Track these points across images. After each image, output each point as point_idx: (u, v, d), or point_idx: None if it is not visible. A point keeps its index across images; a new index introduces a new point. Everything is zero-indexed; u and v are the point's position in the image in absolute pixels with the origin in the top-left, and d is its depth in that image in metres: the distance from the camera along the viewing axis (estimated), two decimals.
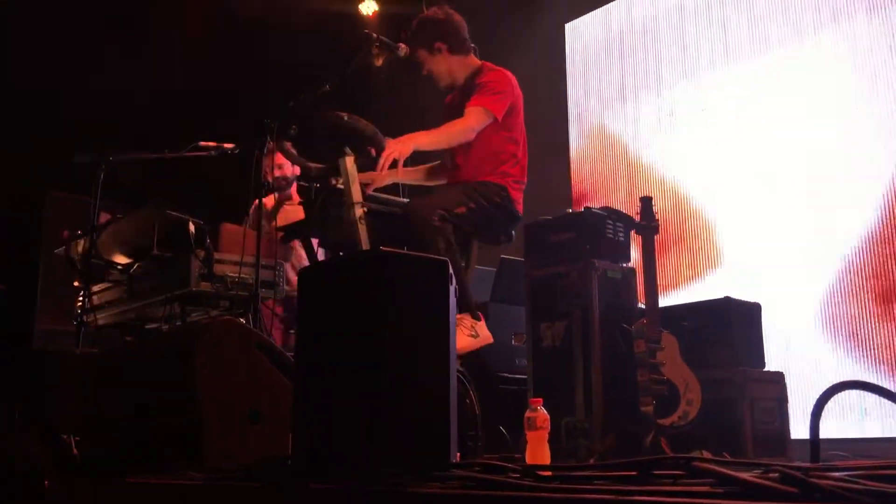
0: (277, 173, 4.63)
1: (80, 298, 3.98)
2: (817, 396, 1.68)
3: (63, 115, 5.69)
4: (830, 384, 1.71)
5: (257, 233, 3.32)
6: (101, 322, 3.99)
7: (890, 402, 1.61)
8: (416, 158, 3.45)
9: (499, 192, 3.42)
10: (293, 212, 4.37)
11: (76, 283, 4.04)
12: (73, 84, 5.71)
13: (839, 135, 4.72)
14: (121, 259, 3.88)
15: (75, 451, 2.96)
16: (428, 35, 3.51)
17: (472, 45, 3.58)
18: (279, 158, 4.44)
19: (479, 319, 3.23)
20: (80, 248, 3.94)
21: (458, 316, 3.07)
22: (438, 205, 3.19)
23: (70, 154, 3.98)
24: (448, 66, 3.55)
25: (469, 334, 3.16)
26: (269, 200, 4.85)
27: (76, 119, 5.62)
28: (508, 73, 3.50)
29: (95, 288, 3.95)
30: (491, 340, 3.25)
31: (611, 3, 6.34)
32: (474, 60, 3.58)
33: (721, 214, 5.26)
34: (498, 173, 3.43)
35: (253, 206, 4.38)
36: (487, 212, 3.39)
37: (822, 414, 1.66)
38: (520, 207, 3.52)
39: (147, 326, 4.07)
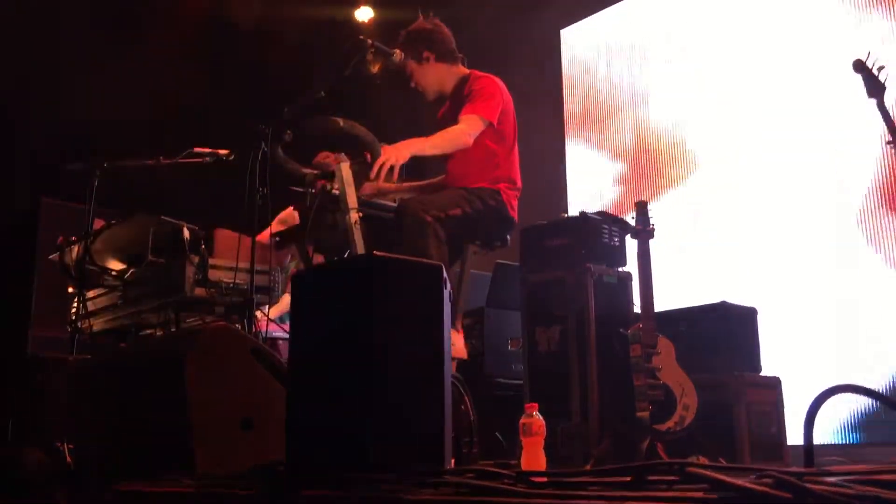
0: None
1: (75, 305, 3.96)
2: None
3: (58, 121, 5.68)
4: (825, 388, 1.70)
5: (252, 238, 3.30)
6: (95, 328, 3.97)
7: (886, 407, 1.60)
8: (414, 166, 3.45)
9: (493, 195, 3.43)
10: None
11: (70, 290, 4.02)
12: (68, 90, 5.70)
13: (837, 136, 4.72)
14: (115, 265, 3.86)
15: (68, 458, 2.95)
16: (416, 45, 3.52)
17: (461, 55, 3.59)
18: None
19: (457, 331, 3.19)
20: (74, 255, 3.93)
21: None
22: (433, 204, 3.19)
23: (65, 160, 3.97)
24: (436, 75, 3.56)
25: None
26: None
27: (71, 125, 5.61)
28: (496, 79, 3.51)
29: (90, 294, 3.93)
30: (464, 356, 3.19)
31: (606, 10, 6.34)
32: (462, 69, 3.59)
33: (718, 218, 5.26)
34: (490, 179, 3.44)
35: (285, 212, 4.31)
36: (482, 215, 3.39)
37: (817, 419, 1.66)
38: (515, 213, 3.52)
39: (142, 332, 4.05)
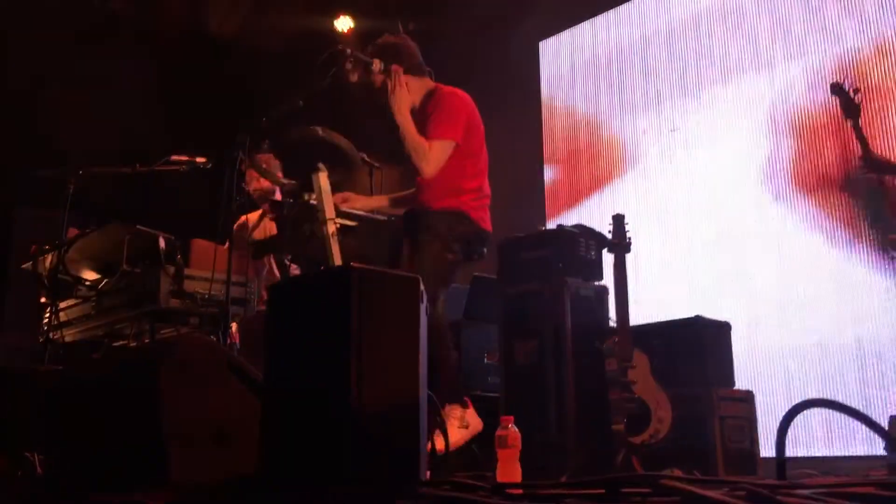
0: (255, 185, 4.54)
1: (47, 314, 3.91)
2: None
3: (32, 127, 5.63)
4: (797, 402, 1.72)
5: (228, 249, 3.29)
6: (68, 338, 3.92)
7: (855, 421, 1.63)
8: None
9: (460, 221, 3.39)
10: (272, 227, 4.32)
11: (43, 299, 3.97)
12: (43, 97, 5.65)
13: (815, 151, 4.79)
14: (89, 275, 3.82)
15: (39, 469, 2.90)
16: (381, 58, 3.52)
17: (428, 68, 3.60)
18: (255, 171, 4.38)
19: (466, 407, 3.23)
20: (47, 264, 3.88)
21: (448, 407, 3.12)
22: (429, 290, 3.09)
23: (40, 168, 3.93)
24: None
25: (459, 426, 3.15)
26: (254, 216, 4.79)
27: (46, 133, 5.56)
28: (461, 93, 3.51)
29: (63, 304, 3.89)
30: (481, 427, 3.21)
31: (584, 23, 6.39)
32: (429, 83, 3.59)
33: (693, 232, 5.31)
34: (456, 195, 3.41)
35: (237, 224, 4.31)
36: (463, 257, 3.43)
37: (789, 432, 1.67)
38: (486, 224, 3.49)
39: (115, 343, 4.01)
